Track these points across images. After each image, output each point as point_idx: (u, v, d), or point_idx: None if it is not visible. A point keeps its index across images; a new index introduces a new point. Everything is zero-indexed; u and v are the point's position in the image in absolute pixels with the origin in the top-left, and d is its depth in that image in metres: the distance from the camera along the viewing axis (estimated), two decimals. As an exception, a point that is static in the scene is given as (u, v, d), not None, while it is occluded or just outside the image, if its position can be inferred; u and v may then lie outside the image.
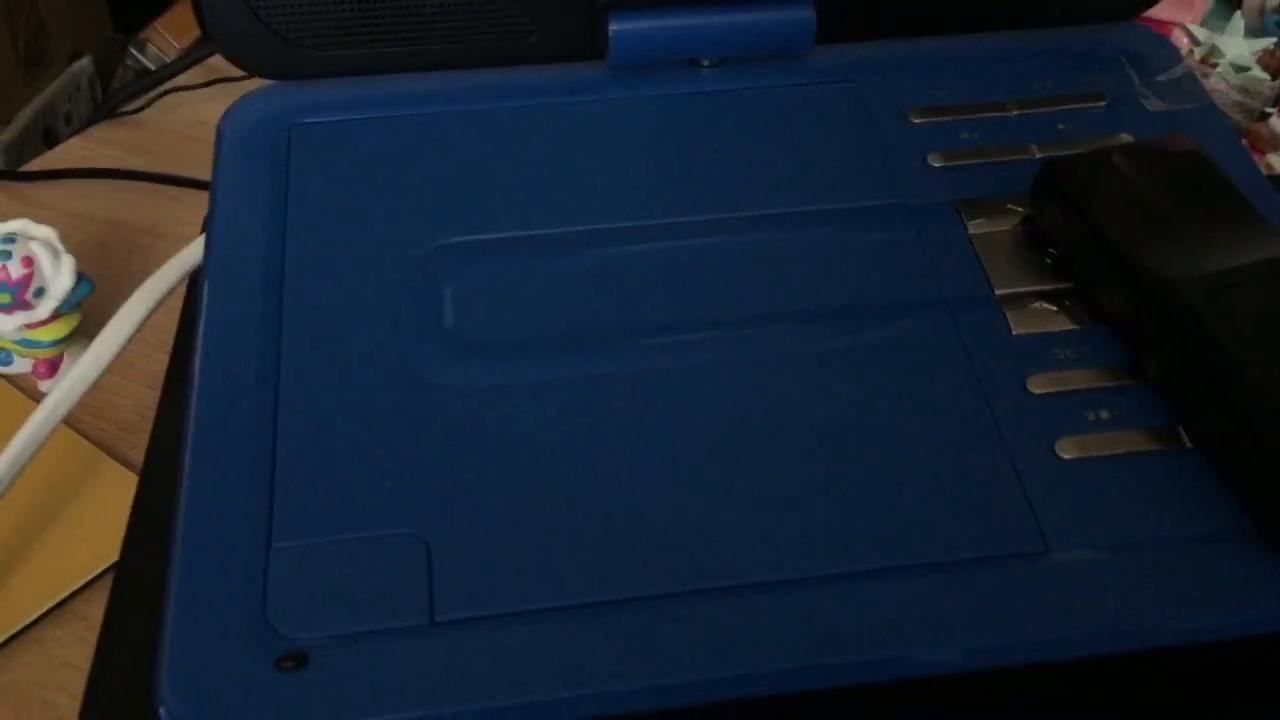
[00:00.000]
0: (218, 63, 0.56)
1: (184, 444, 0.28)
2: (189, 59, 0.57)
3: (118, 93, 0.57)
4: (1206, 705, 0.27)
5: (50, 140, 0.72)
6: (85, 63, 0.82)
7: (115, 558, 0.36)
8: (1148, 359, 0.29)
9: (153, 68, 0.74)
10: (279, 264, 0.32)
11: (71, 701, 0.34)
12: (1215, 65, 0.48)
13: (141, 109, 0.56)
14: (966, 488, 0.27)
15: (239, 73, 0.37)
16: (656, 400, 0.29)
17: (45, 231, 0.41)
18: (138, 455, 0.40)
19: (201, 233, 0.36)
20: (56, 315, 0.42)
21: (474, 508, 0.27)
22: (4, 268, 0.40)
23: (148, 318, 0.37)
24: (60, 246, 0.41)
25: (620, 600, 0.26)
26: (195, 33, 0.75)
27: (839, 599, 0.26)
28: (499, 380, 0.29)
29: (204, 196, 0.47)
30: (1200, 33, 0.49)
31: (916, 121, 0.35)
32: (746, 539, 0.27)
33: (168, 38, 0.77)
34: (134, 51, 0.79)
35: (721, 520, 0.27)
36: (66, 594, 0.37)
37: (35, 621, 0.36)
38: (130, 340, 0.37)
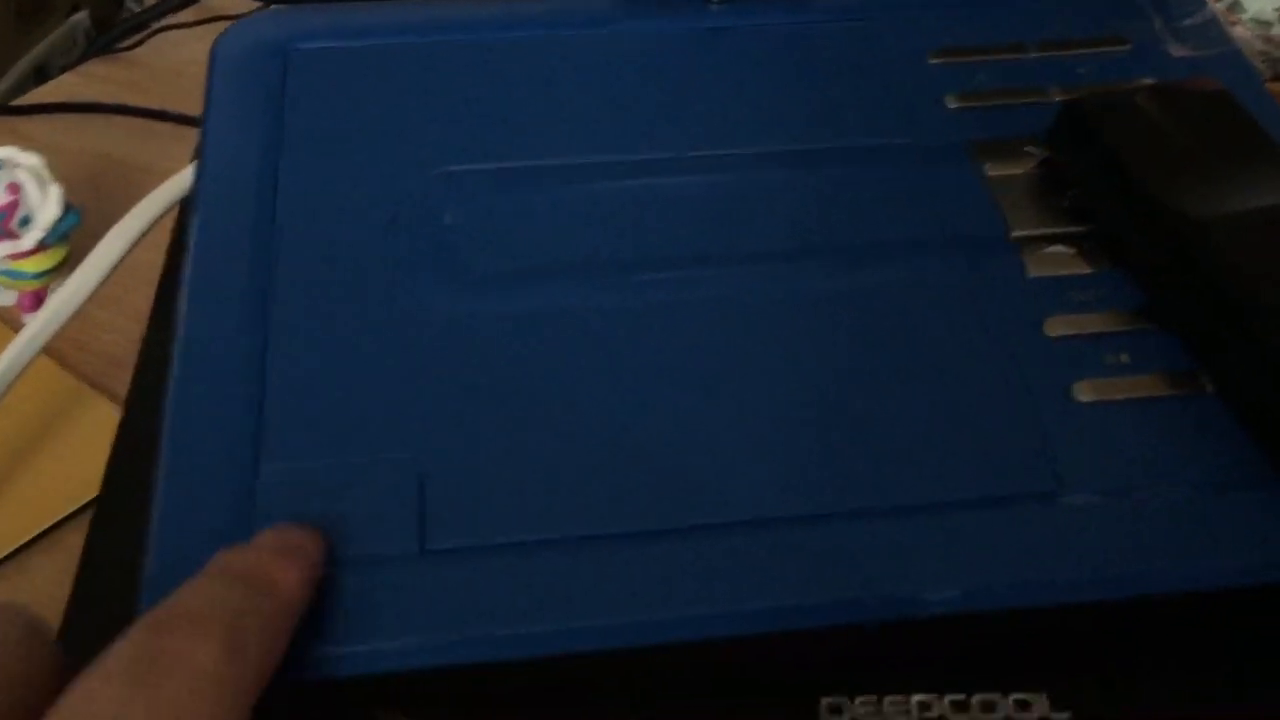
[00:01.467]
0: (213, 1, 0.55)
1: (171, 365, 0.27)
2: (185, -5, 0.55)
3: (112, 30, 0.56)
4: (1216, 654, 0.26)
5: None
6: (82, 16, 0.81)
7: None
8: (1169, 301, 0.28)
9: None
10: (272, 191, 0.31)
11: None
12: (1238, 20, 0.46)
13: (134, 46, 0.55)
14: (980, 428, 0.26)
15: (233, 10, 0.36)
16: (660, 334, 0.28)
17: (33, 159, 0.40)
18: (123, 389, 0.39)
19: (193, 161, 0.35)
20: (43, 246, 0.40)
21: (470, 437, 0.26)
22: (-11, 193, 0.39)
23: (135, 244, 0.36)
24: (48, 175, 0.40)
25: (616, 535, 0.25)
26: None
27: (848, 536, 0.25)
28: (499, 309, 0.28)
29: (196, 133, 0.46)
30: (1221, -10, 0.48)
31: (934, 62, 0.34)
32: (751, 475, 0.26)
33: (165, -10, 0.75)
34: (131, 6, 0.77)
35: (725, 456, 0.26)
36: (49, 525, 0.36)
37: (17, 551, 0.35)
38: (117, 265, 0.36)
